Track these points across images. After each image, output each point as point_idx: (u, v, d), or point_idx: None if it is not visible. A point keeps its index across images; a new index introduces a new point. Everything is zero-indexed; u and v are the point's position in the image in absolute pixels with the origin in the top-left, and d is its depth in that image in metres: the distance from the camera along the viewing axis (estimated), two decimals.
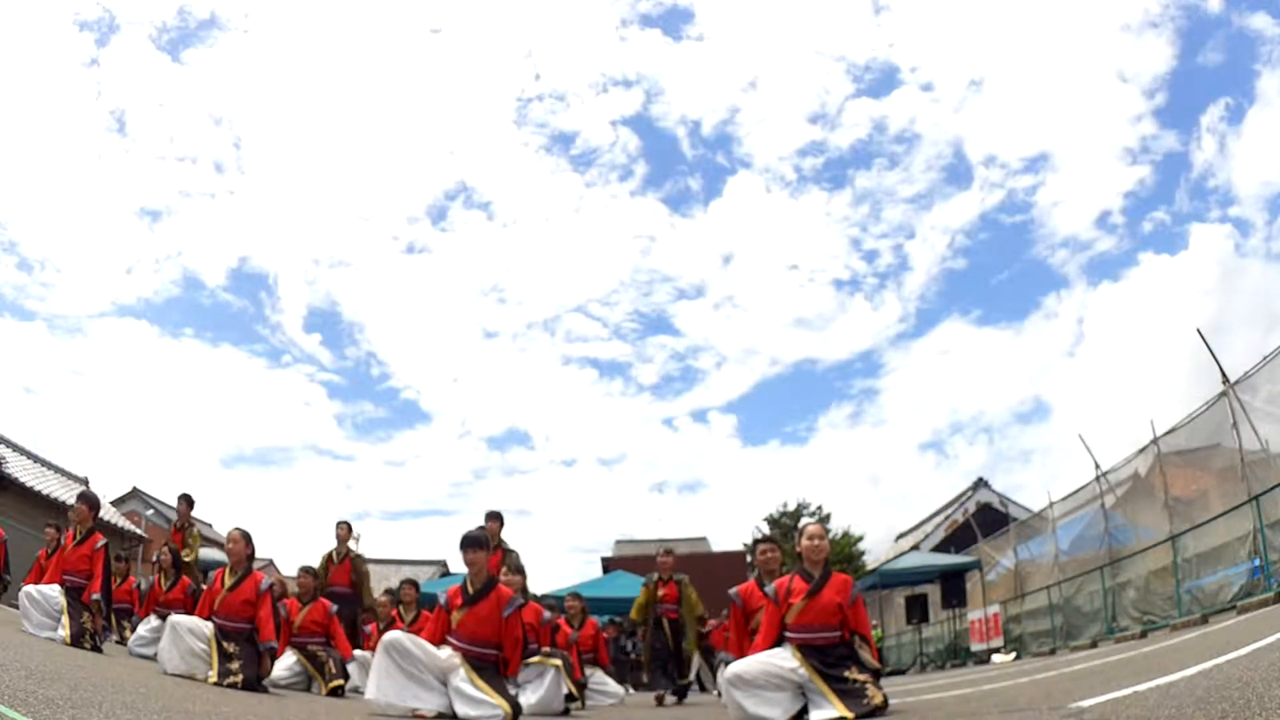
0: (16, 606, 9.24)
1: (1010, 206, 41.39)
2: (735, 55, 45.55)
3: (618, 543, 32.18)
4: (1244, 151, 35.18)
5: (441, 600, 5.17)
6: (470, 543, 5.13)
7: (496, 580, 5.25)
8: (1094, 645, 11.94)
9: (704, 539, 32.71)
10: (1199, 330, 10.66)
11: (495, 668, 5.02)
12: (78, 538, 6.90)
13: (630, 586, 18.36)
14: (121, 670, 4.57)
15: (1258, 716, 2.35)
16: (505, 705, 4.71)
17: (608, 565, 26.59)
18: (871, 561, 28.60)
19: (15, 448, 18.86)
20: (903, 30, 43.64)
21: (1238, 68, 34.92)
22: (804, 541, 4.76)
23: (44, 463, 19.81)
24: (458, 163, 51.85)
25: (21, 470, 17.86)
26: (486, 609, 5.05)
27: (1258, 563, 9.00)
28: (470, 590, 5.09)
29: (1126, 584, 12.48)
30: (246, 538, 6.09)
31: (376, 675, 4.72)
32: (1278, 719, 2.29)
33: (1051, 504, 16.20)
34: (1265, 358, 9.79)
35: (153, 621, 7.62)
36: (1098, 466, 14.21)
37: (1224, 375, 10.35)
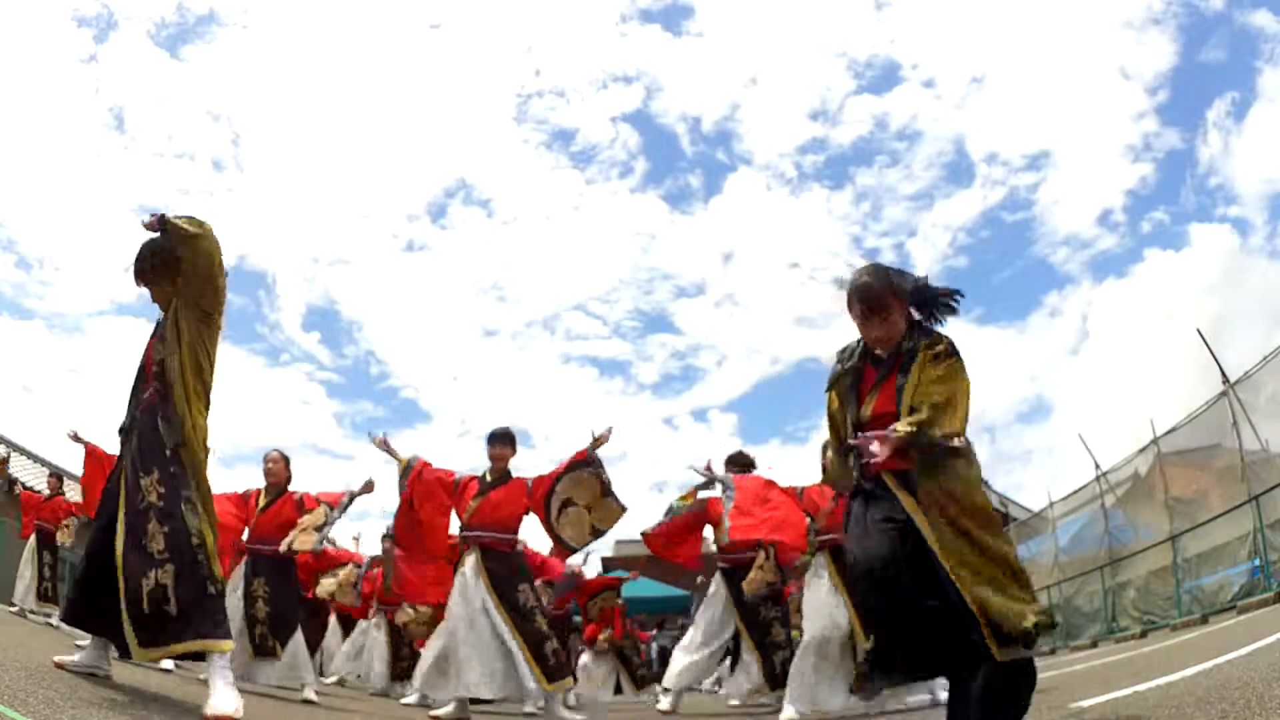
0: (14, 605, 9.27)
1: (1011, 204, 41.28)
2: (735, 51, 45.43)
3: (618, 543, 32.09)
4: (1245, 149, 35.14)
5: (456, 478, 5.26)
6: (497, 438, 5.25)
7: (511, 474, 5.29)
8: (1094, 645, 11.94)
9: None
10: (1199, 330, 10.66)
11: (511, 561, 5.09)
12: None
13: (631, 586, 18.34)
14: (121, 670, 4.57)
15: (1258, 716, 2.35)
16: (536, 669, 4.75)
17: (608, 565, 26.57)
18: None
19: (15, 447, 18.85)
20: (904, 27, 43.54)
21: (1239, 65, 34.87)
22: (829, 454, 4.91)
23: (44, 462, 19.79)
24: (457, 159, 51.74)
25: (21, 470, 17.84)
26: (503, 494, 5.14)
27: (1258, 563, 9.00)
28: (489, 479, 5.19)
29: (1126, 584, 12.48)
30: (286, 460, 5.98)
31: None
32: (1278, 719, 2.29)
33: (1051, 504, 16.20)
34: (1265, 358, 9.78)
35: None
36: (1098, 466, 14.22)
37: (1224, 375, 10.34)
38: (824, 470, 4.99)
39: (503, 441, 5.29)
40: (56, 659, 3.16)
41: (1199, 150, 34.33)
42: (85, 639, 3.24)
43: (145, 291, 3.36)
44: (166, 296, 3.36)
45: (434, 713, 4.94)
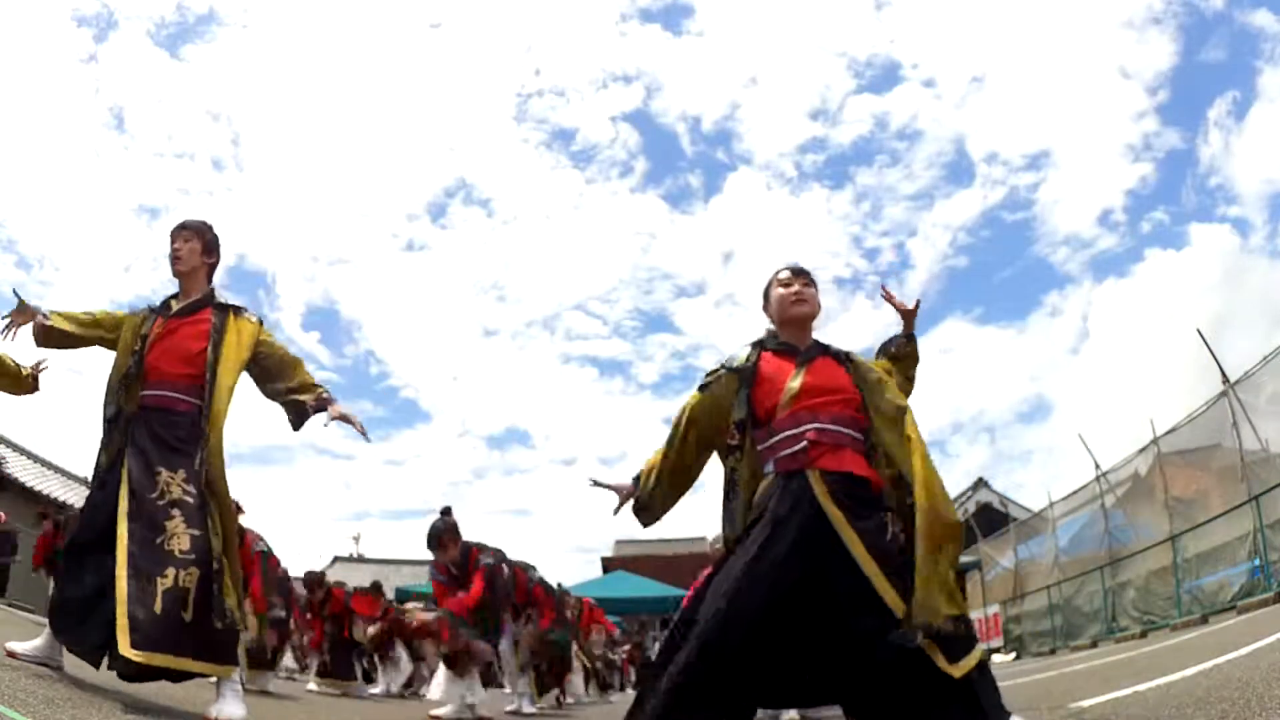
0: (14, 605, 9.29)
1: (1012, 204, 41.47)
2: (736, 51, 45.59)
3: (618, 543, 32.15)
4: (1245, 149, 35.21)
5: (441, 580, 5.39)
6: (432, 540, 5.21)
7: (470, 546, 5.39)
8: (1094, 645, 11.96)
9: (704, 539, 32.66)
10: (1199, 330, 10.67)
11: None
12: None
13: (630, 586, 18.38)
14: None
15: (1258, 716, 2.35)
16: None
17: (608, 565, 26.60)
18: None
19: (15, 448, 18.85)
20: (904, 26, 43.69)
21: (1239, 65, 34.95)
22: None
23: (44, 463, 19.79)
24: (457, 159, 51.87)
25: (21, 470, 17.84)
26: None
27: (1258, 563, 9.00)
28: (455, 572, 5.31)
29: (1126, 584, 12.49)
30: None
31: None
32: (1278, 719, 2.29)
33: (1051, 504, 16.21)
34: (1265, 358, 9.79)
35: None
36: (1098, 466, 14.24)
37: (1224, 375, 10.35)
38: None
39: (436, 543, 5.21)
40: (8, 646, 2.98)
41: (1199, 150, 34.47)
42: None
43: (168, 267, 3.30)
44: (199, 281, 3.31)
45: (434, 712, 4.96)
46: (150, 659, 2.63)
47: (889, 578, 2.20)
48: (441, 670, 5.32)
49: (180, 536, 2.78)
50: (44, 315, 3.17)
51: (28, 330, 3.19)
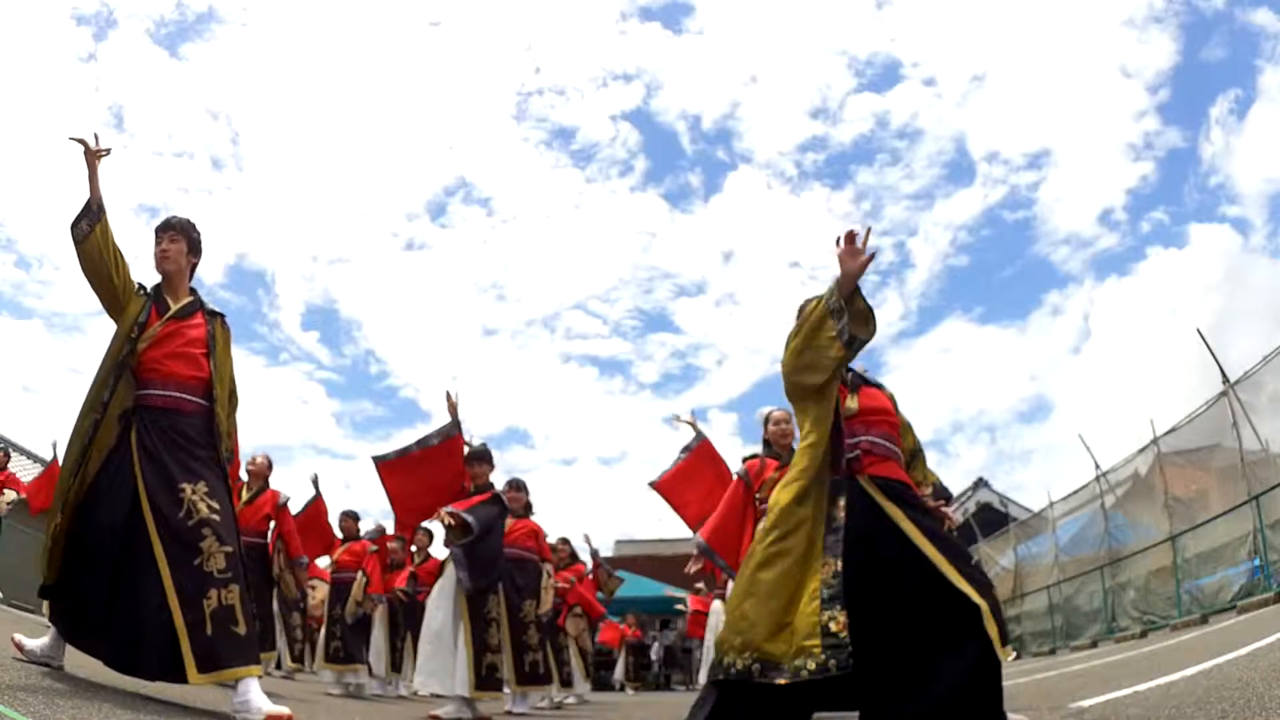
0: (15, 606, 9.29)
1: (1012, 203, 41.23)
2: (736, 49, 45.35)
3: (618, 542, 32.11)
4: (1246, 148, 35.13)
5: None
6: (475, 457, 5.37)
7: (492, 485, 5.44)
8: (1094, 645, 11.96)
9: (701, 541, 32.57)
10: (1199, 330, 10.66)
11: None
12: None
13: (631, 586, 18.36)
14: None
15: (1258, 716, 2.35)
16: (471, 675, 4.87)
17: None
18: None
19: (15, 447, 18.85)
20: (905, 25, 43.48)
21: (1240, 64, 34.85)
22: (770, 428, 4.68)
23: (44, 462, 19.81)
24: (457, 158, 51.65)
25: (21, 470, 17.85)
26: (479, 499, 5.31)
27: (1258, 563, 9.00)
28: (470, 489, 5.34)
29: (1126, 584, 12.48)
30: (270, 463, 6.43)
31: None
32: (1278, 719, 2.29)
33: (1051, 504, 16.20)
34: (1265, 357, 9.79)
35: None
36: (1097, 466, 14.22)
37: (1224, 375, 10.34)
38: (765, 444, 4.66)
39: (480, 460, 5.40)
40: (15, 637, 3.04)
41: (1201, 149, 34.36)
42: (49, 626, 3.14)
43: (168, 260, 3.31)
44: (185, 280, 3.37)
45: (434, 712, 4.95)
46: (217, 678, 2.81)
47: (953, 563, 2.36)
48: (421, 654, 5.19)
49: (216, 556, 2.92)
50: (102, 200, 3.13)
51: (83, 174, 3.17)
